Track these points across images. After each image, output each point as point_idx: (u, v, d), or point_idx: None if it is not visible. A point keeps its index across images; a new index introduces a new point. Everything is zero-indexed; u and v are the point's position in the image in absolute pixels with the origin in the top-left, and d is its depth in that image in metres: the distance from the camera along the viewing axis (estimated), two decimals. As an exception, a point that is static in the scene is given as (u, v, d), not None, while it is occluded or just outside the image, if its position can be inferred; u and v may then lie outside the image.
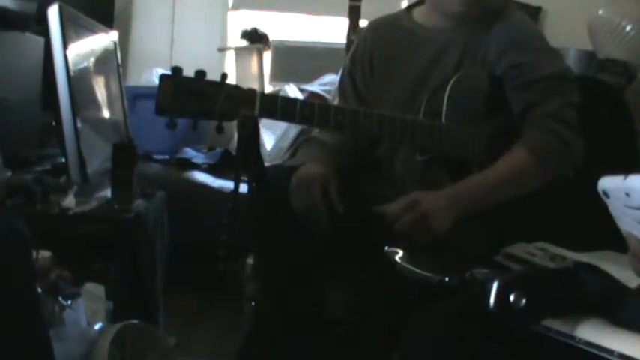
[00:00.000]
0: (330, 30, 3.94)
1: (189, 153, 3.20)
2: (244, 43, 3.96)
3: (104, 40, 2.46)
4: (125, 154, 2.02)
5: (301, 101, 1.47)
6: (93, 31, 2.33)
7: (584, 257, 1.23)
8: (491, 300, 1.04)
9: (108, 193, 2.05)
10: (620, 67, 3.15)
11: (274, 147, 3.13)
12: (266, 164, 1.69)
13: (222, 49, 4.01)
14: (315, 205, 1.47)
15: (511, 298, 1.04)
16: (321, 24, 4.04)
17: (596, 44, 3.35)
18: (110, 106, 2.39)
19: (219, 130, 1.41)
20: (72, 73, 1.99)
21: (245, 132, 1.36)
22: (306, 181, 1.48)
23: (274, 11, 4.07)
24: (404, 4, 3.21)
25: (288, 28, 4.05)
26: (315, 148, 1.63)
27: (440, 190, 1.43)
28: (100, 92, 2.34)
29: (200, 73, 1.37)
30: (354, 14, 3.12)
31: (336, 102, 1.76)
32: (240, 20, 4.10)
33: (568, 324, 1.04)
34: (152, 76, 3.35)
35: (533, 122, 1.50)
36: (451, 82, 1.51)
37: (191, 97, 1.35)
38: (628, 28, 3.23)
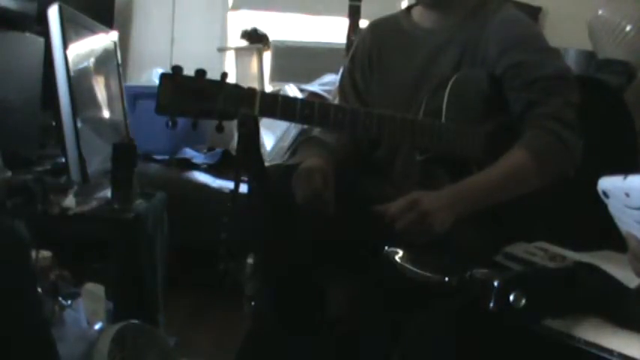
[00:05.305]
0: (330, 30, 3.94)
1: (189, 153, 3.20)
2: (244, 43, 3.97)
3: (104, 40, 2.46)
4: (125, 154, 2.02)
5: (301, 100, 1.47)
6: (93, 31, 2.33)
7: (584, 257, 1.23)
8: (492, 300, 1.04)
9: (108, 193, 2.05)
10: (620, 67, 3.15)
11: (274, 147, 3.13)
12: (266, 164, 1.69)
13: (222, 49, 4.01)
14: (316, 194, 1.46)
15: (511, 298, 1.04)
16: (321, 24, 4.04)
17: (596, 44, 3.35)
18: (110, 106, 2.39)
19: (219, 129, 1.40)
20: (72, 73, 1.99)
21: (245, 131, 1.36)
22: (307, 172, 1.48)
23: (274, 11, 4.07)
24: (404, 4, 3.22)
25: (288, 28, 4.05)
26: (315, 147, 1.63)
27: (440, 190, 1.43)
28: (100, 92, 2.33)
29: (200, 72, 1.37)
30: (354, 14, 3.12)
31: (336, 102, 1.76)
32: (240, 20, 4.10)
33: (568, 324, 1.04)
34: (152, 76, 3.35)
35: (533, 122, 1.50)
36: (451, 81, 1.51)
37: (191, 96, 1.35)
38: (628, 28, 3.23)
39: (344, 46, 3.12)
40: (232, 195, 1.44)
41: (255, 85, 3.65)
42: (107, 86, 2.41)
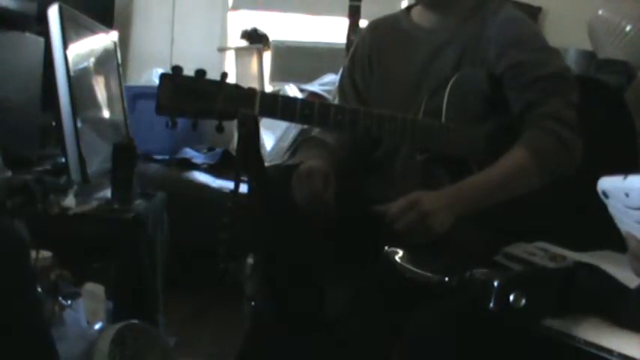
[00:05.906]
0: (330, 30, 3.94)
1: (189, 153, 3.20)
2: (244, 43, 3.97)
3: (104, 40, 2.46)
4: (125, 154, 2.02)
5: (301, 100, 1.47)
6: (93, 31, 2.33)
7: (584, 257, 1.23)
8: (492, 300, 1.04)
9: (108, 193, 2.05)
10: (620, 67, 3.14)
11: (274, 147, 3.13)
12: (266, 164, 1.69)
13: (222, 49, 4.01)
14: (317, 195, 1.46)
15: (511, 298, 1.04)
16: (321, 24, 4.04)
17: (596, 44, 3.35)
18: (110, 106, 2.39)
19: (219, 129, 1.41)
20: (72, 73, 1.99)
21: (245, 131, 1.36)
22: (307, 172, 1.48)
23: (274, 11, 4.08)
24: (404, 4, 3.22)
25: (288, 28, 4.06)
26: (315, 147, 1.63)
27: (440, 190, 1.43)
28: (100, 92, 2.34)
29: (200, 73, 1.37)
30: (354, 14, 3.12)
31: (336, 102, 1.76)
32: (240, 20, 4.10)
33: (568, 324, 1.04)
34: (152, 76, 3.35)
35: (533, 122, 1.50)
36: (451, 81, 1.51)
37: (191, 96, 1.36)
38: (628, 28, 3.23)
39: (344, 46, 3.12)
40: (232, 195, 1.44)
41: (255, 85, 3.65)
42: (107, 86, 2.42)
